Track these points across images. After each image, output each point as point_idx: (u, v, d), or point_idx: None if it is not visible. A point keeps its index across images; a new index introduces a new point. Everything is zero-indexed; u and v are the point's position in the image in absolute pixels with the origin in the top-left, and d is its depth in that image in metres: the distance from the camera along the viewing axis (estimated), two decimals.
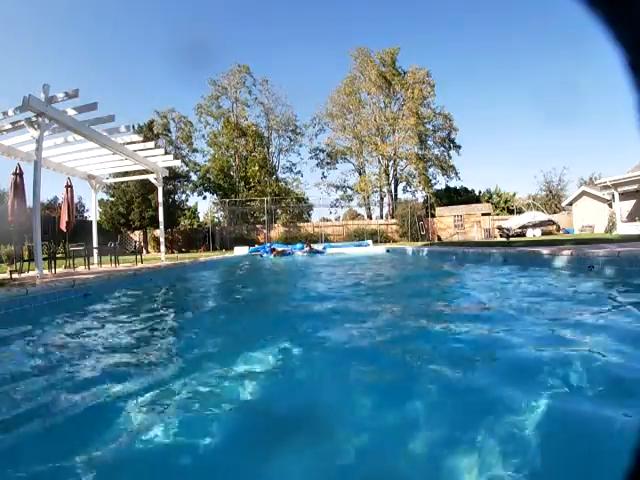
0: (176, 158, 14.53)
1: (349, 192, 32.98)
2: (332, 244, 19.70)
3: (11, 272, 6.64)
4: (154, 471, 1.26)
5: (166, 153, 12.64)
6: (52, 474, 1.21)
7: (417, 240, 22.78)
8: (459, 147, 32.14)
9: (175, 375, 2.08)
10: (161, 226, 12.01)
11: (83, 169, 10.47)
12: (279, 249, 15.86)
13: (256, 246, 18.64)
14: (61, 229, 9.48)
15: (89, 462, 1.25)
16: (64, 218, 9.28)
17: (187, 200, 29.55)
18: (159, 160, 11.12)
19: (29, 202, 7.31)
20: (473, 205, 27.73)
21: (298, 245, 17.33)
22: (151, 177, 11.49)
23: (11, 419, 1.60)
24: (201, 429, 1.47)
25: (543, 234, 21.10)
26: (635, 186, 15.97)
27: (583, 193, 22.17)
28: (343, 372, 2.06)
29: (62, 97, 6.73)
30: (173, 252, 22.73)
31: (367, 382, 1.93)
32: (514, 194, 33.77)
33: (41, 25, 32.30)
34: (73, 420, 1.57)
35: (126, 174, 13.65)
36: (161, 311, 4.43)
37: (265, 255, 15.51)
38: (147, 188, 20.95)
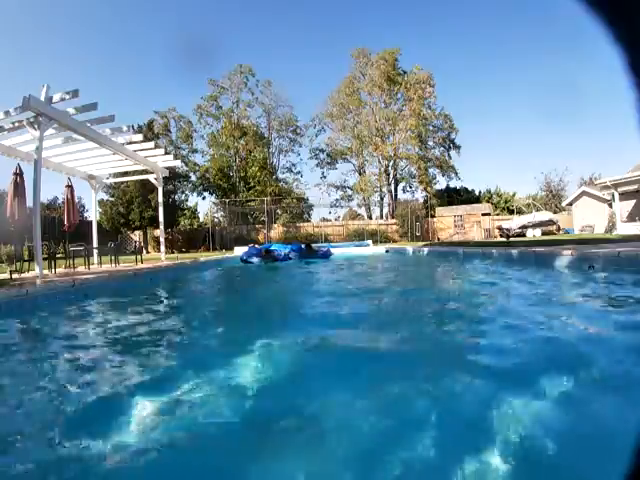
0: (176, 158, 14.51)
1: (349, 192, 32.98)
2: (332, 244, 19.65)
3: (11, 272, 6.64)
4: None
5: (166, 153, 12.64)
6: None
7: (417, 240, 22.78)
8: (459, 147, 32.14)
9: (174, 374, 2.07)
10: (161, 226, 12.01)
11: (83, 169, 10.47)
12: (267, 251, 10.89)
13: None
14: (64, 228, 9.51)
15: (83, 461, 1.25)
16: (66, 217, 9.30)
17: (187, 200, 29.57)
18: (159, 160, 11.12)
19: (29, 202, 7.31)
20: (473, 205, 27.70)
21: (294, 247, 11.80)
22: (151, 177, 11.49)
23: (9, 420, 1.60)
24: (202, 428, 1.47)
25: (543, 234, 21.08)
26: (635, 186, 15.99)
27: (583, 193, 22.16)
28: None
29: (62, 97, 6.73)
30: (173, 252, 22.72)
31: None
32: (514, 194, 33.74)
33: (41, 25, 32.31)
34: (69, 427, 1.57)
35: (126, 174, 13.65)
36: (161, 310, 4.42)
37: (255, 259, 10.40)
38: (147, 188, 20.95)
